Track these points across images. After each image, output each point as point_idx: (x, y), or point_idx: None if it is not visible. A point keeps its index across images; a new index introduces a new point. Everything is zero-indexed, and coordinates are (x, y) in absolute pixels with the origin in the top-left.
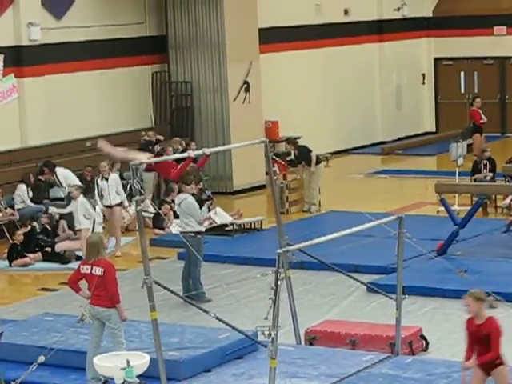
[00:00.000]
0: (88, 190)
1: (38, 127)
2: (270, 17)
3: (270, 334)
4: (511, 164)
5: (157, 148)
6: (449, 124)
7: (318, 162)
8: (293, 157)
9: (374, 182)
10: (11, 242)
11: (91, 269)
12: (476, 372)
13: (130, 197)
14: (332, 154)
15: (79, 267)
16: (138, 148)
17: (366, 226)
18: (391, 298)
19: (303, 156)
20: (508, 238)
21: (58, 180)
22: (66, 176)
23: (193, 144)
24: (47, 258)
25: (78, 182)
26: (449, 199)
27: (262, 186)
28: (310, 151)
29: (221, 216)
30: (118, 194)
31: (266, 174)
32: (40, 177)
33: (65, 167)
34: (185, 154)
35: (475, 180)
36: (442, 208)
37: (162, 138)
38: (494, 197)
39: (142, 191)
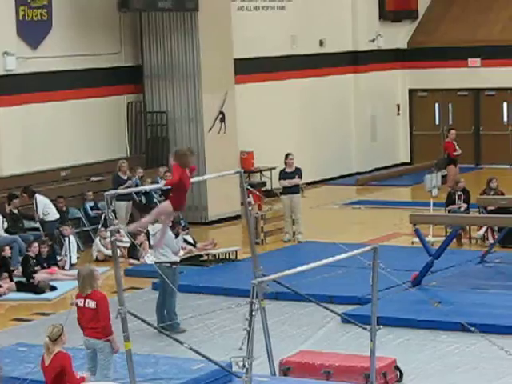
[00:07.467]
0: (63, 220)
1: (13, 157)
2: (245, 47)
3: (244, 365)
4: (485, 195)
5: (134, 180)
6: (423, 155)
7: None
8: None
9: (349, 212)
10: None
11: (84, 302)
12: None
13: (104, 227)
14: (307, 184)
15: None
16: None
17: (341, 256)
18: (366, 329)
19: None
20: (482, 269)
21: (36, 207)
22: (44, 204)
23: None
24: (21, 288)
25: (55, 211)
26: (423, 230)
27: (237, 217)
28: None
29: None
30: None
31: (241, 204)
32: (11, 207)
33: None
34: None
35: (449, 211)
36: (417, 239)
37: (133, 177)
38: (468, 228)
39: (116, 221)
